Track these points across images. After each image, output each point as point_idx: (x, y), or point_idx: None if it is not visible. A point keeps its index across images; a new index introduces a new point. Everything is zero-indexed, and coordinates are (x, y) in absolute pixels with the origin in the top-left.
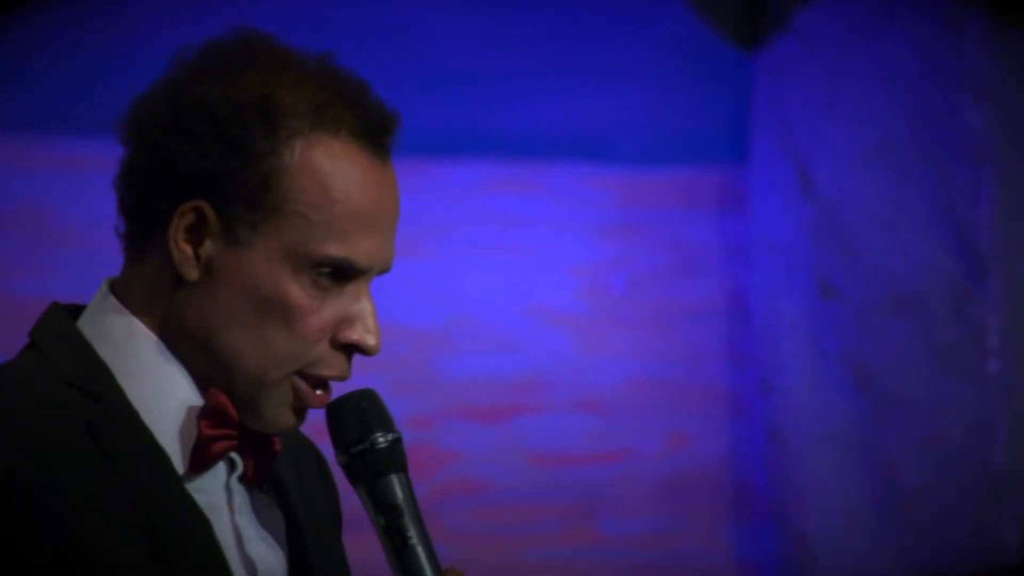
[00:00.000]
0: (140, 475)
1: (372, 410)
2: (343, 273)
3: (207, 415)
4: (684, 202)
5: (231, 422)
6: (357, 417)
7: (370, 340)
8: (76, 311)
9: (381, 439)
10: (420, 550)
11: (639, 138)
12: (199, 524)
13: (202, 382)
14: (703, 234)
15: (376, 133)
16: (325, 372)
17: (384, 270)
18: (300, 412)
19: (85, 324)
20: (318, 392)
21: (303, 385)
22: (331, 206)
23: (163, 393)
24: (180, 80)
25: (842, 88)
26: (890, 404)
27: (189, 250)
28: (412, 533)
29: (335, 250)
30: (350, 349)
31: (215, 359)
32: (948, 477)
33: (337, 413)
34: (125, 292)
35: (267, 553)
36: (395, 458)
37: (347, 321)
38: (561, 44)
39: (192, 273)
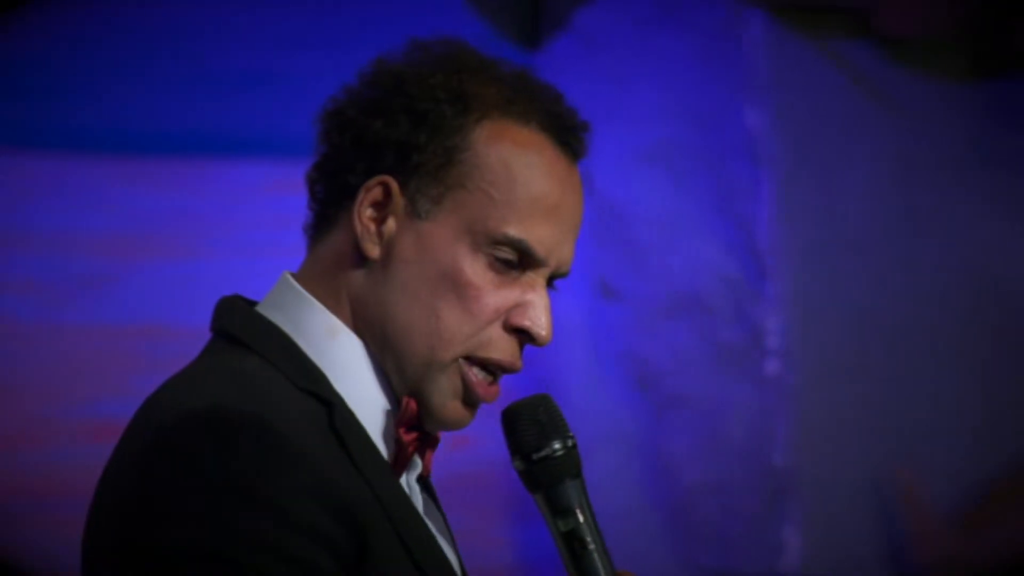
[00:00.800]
0: (376, 479)
1: (549, 416)
2: (520, 258)
3: (403, 422)
4: None
5: (418, 425)
6: (535, 424)
7: (541, 330)
8: (253, 304)
9: (558, 446)
10: (597, 556)
11: None
12: (425, 526)
13: (382, 376)
14: None
15: (564, 132)
16: (494, 355)
17: (561, 271)
18: (469, 405)
19: (282, 321)
20: (486, 382)
21: (471, 372)
22: (513, 187)
23: (366, 396)
24: (379, 68)
25: (622, 88)
26: (671, 404)
27: (373, 226)
28: (590, 539)
29: (513, 230)
30: (521, 336)
31: (388, 341)
32: (729, 477)
33: (514, 419)
34: (311, 282)
35: (448, 547)
36: (572, 464)
37: (520, 308)
38: (339, 44)
39: (373, 250)
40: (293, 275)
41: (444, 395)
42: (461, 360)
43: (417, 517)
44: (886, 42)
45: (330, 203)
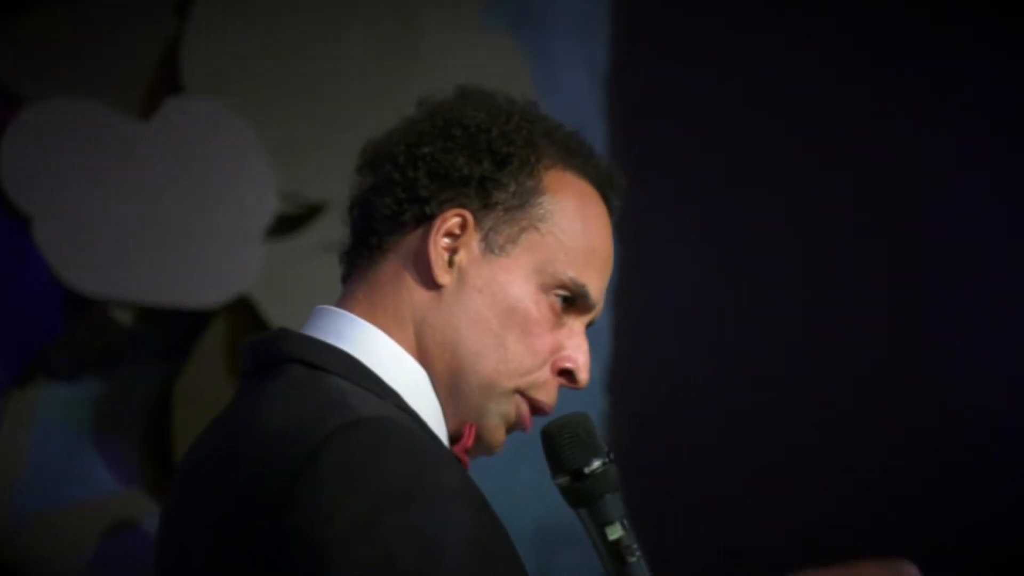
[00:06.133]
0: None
1: (590, 435)
2: (575, 302)
3: (463, 447)
4: None
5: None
6: (577, 442)
7: (583, 374)
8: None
9: (597, 463)
10: (644, 563)
11: None
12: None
13: (438, 401)
14: None
15: (608, 191)
16: (542, 398)
17: (594, 319)
18: (507, 434)
19: (348, 348)
20: (529, 416)
21: (524, 405)
22: (580, 236)
23: (430, 418)
24: (450, 110)
25: None
26: None
27: (446, 255)
28: (636, 546)
29: (578, 275)
30: (565, 376)
31: (454, 362)
32: None
33: (556, 438)
34: (364, 308)
35: None
36: (612, 479)
37: (567, 351)
38: None
39: (445, 277)
40: (339, 304)
41: (500, 418)
42: (518, 394)
43: (500, 523)
44: None
45: (389, 230)
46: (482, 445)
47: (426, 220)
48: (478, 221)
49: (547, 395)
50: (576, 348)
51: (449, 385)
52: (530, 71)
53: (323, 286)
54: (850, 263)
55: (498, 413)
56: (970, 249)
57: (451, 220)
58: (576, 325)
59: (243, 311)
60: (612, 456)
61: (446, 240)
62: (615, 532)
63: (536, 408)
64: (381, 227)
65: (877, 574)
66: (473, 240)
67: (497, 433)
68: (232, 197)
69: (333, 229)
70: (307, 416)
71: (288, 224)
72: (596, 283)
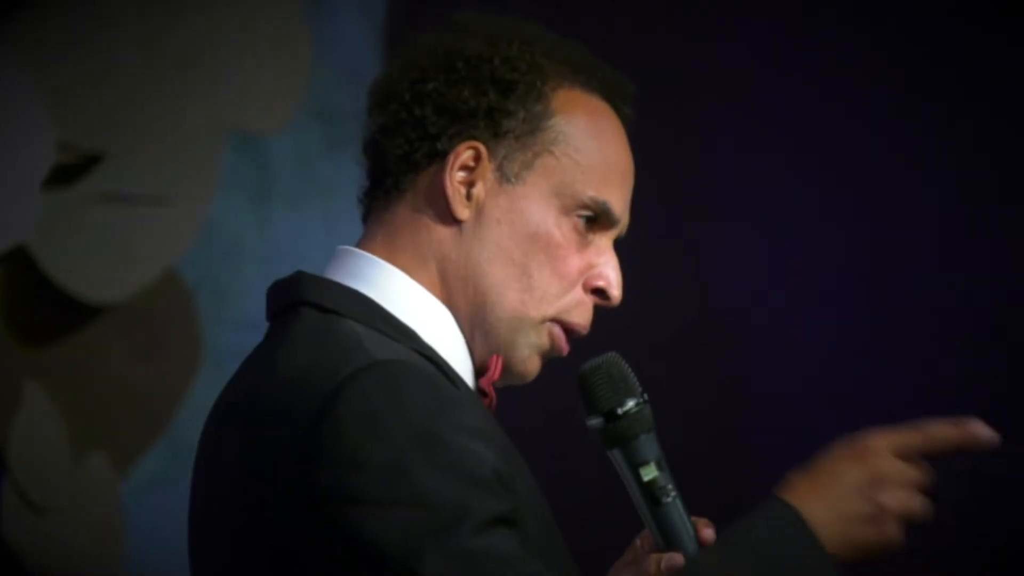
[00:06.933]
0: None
1: (623, 376)
2: (599, 219)
3: (491, 379)
4: None
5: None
6: (609, 383)
7: (614, 291)
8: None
9: (632, 404)
10: (677, 504)
11: None
12: (527, 469)
13: (462, 337)
14: None
15: (620, 101)
16: (576, 319)
17: (622, 232)
18: (543, 362)
19: (366, 289)
20: (565, 338)
21: (557, 329)
22: (595, 153)
23: (452, 355)
24: (449, 41)
25: None
26: None
27: (463, 189)
28: (671, 487)
29: (598, 193)
30: (598, 295)
31: (479, 297)
32: None
33: (589, 379)
34: (384, 249)
35: None
36: (646, 419)
37: (597, 269)
38: None
39: (464, 211)
40: (359, 246)
41: (531, 349)
42: (549, 322)
43: (522, 461)
44: None
45: (402, 170)
46: (512, 375)
47: (439, 157)
48: (491, 152)
49: (580, 316)
50: (606, 264)
51: (474, 320)
52: (308, 23)
53: (102, 236)
54: None
55: (527, 345)
56: None
57: (464, 154)
58: (603, 242)
59: (20, 262)
60: (646, 397)
61: (461, 174)
62: (649, 473)
63: (570, 329)
64: (395, 168)
65: (942, 432)
66: (488, 171)
67: (530, 364)
68: (8, 147)
69: (111, 179)
70: (318, 364)
71: (66, 174)
72: (617, 197)
